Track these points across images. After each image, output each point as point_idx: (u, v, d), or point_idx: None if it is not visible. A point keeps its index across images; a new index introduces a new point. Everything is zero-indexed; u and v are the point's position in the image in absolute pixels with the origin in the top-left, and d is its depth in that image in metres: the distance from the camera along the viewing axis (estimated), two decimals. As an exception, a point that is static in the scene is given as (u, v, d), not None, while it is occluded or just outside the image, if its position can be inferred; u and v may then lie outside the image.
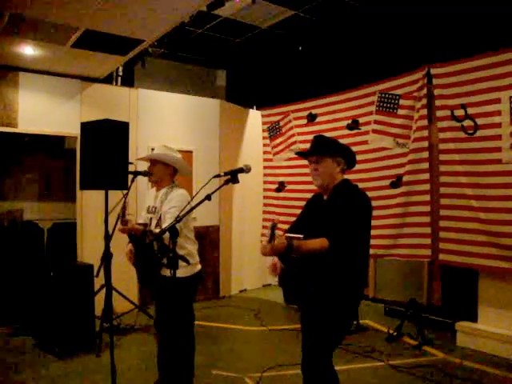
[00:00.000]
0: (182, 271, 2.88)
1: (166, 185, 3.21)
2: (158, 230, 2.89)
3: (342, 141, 5.26)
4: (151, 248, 2.91)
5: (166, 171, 3.21)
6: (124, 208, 3.03)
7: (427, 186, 4.62)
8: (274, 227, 2.12)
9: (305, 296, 2.44)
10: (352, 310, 2.50)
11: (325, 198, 2.54)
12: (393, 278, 6.11)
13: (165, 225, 2.90)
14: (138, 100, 5.92)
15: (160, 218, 3.08)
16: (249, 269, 7.00)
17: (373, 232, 5.00)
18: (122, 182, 3.51)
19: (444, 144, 4.47)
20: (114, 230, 3.48)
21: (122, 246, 3.31)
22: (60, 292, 4.21)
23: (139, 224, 3.22)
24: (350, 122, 5.36)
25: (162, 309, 3.21)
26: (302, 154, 2.73)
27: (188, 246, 3.14)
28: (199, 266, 3.21)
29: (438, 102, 4.51)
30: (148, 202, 3.31)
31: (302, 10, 5.62)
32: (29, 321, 4.65)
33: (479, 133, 4.18)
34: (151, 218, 3.19)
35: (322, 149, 2.52)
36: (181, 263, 2.58)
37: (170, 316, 3.10)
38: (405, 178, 4.78)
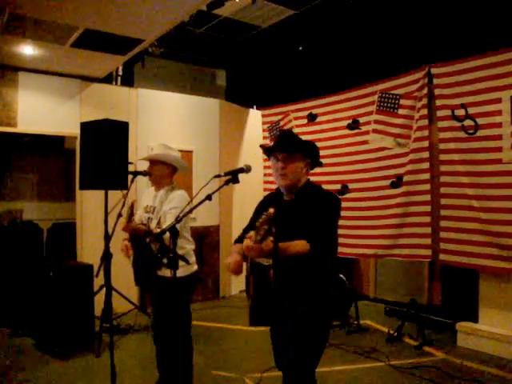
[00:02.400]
0: (180, 271, 2.88)
1: (165, 185, 3.21)
2: (158, 230, 2.89)
3: (342, 141, 5.42)
4: (150, 248, 2.91)
5: (165, 171, 3.21)
6: (132, 206, 3.02)
7: (427, 186, 4.62)
8: (270, 221, 1.88)
9: (282, 308, 2.22)
10: (334, 312, 2.44)
11: (287, 198, 2.36)
12: (393, 278, 6.11)
13: (166, 225, 2.90)
14: (137, 100, 5.91)
15: (160, 218, 3.08)
16: (249, 269, 7.00)
17: (373, 232, 5.10)
18: (121, 182, 3.49)
19: (444, 144, 4.46)
20: (113, 230, 3.47)
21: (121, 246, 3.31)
22: (60, 292, 4.20)
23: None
24: (350, 121, 5.35)
25: (159, 309, 3.21)
26: (269, 150, 2.40)
27: (186, 246, 3.15)
28: (196, 266, 3.22)
29: (438, 102, 4.50)
30: (146, 201, 3.31)
31: (302, 10, 5.61)
32: (28, 321, 4.64)
33: (480, 132, 4.18)
34: (149, 218, 3.19)
35: (296, 147, 2.31)
36: (180, 263, 2.58)
37: (167, 316, 3.10)
38: (405, 178, 4.77)
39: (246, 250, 2.02)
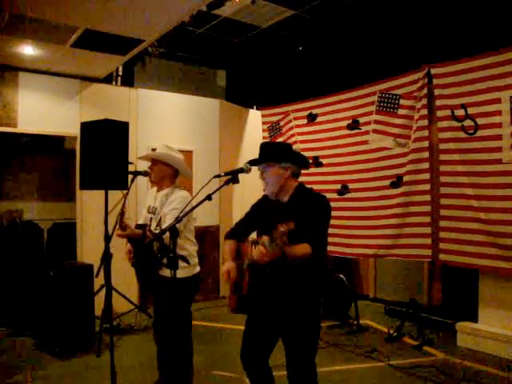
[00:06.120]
0: (182, 272, 2.88)
1: (166, 186, 3.18)
2: (158, 231, 2.89)
3: (342, 141, 5.42)
4: (150, 248, 2.91)
5: (166, 171, 3.17)
6: (122, 213, 3.01)
7: (427, 186, 4.62)
8: (289, 234, 2.02)
9: (276, 302, 2.41)
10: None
11: (283, 201, 2.49)
12: (393, 278, 6.11)
13: (165, 226, 2.90)
14: (137, 100, 5.91)
15: (160, 219, 3.07)
16: (249, 269, 7.00)
17: (373, 232, 5.10)
18: (121, 182, 3.50)
19: (444, 144, 4.46)
20: (113, 230, 3.48)
21: (121, 246, 3.31)
22: (60, 292, 4.20)
23: (138, 225, 3.21)
24: (350, 121, 5.35)
25: (160, 309, 3.21)
26: (250, 164, 2.54)
27: (188, 247, 3.13)
28: (198, 268, 3.20)
29: (438, 102, 4.50)
30: (149, 201, 3.30)
31: (302, 10, 5.61)
32: (29, 321, 4.64)
33: (479, 133, 4.18)
34: (151, 219, 3.18)
35: (267, 156, 2.48)
36: (180, 263, 2.58)
37: (168, 316, 3.09)
38: (405, 178, 4.78)
39: (259, 255, 2.12)
